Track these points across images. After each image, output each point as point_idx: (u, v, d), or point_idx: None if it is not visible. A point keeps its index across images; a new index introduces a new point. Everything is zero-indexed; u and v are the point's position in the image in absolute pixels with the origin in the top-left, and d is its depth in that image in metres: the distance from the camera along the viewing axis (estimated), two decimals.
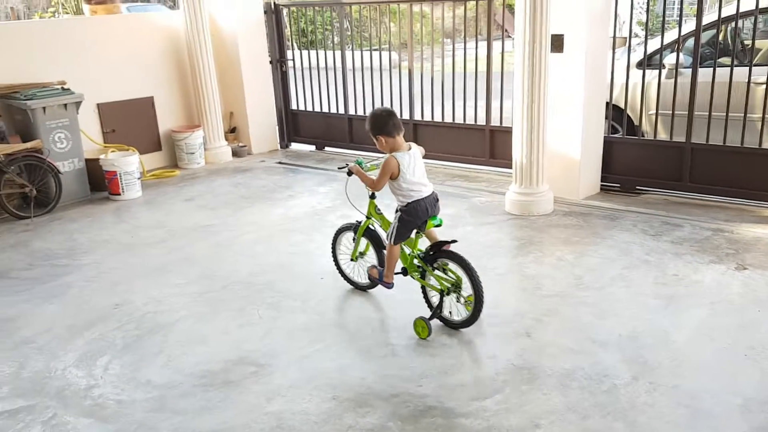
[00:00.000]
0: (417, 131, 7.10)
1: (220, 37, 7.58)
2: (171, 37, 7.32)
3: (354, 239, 4.03)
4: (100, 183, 6.33)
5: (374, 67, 7.51)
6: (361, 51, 7.81)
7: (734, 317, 3.57)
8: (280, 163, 7.52)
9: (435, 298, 3.65)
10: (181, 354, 3.50)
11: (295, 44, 8.55)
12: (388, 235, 3.67)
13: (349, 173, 3.78)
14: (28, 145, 5.74)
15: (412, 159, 3.50)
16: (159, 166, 7.35)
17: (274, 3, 7.87)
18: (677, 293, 3.89)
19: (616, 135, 5.98)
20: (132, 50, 6.99)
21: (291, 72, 8.13)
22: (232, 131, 8.00)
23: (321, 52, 7.99)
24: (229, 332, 3.72)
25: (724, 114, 5.20)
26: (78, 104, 6.11)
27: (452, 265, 3.53)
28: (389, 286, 3.77)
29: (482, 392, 3.04)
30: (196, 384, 3.20)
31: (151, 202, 6.18)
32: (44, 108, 5.83)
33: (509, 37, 10.00)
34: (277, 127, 8.24)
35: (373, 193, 3.78)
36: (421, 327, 3.53)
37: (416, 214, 3.53)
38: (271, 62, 7.99)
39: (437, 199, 3.63)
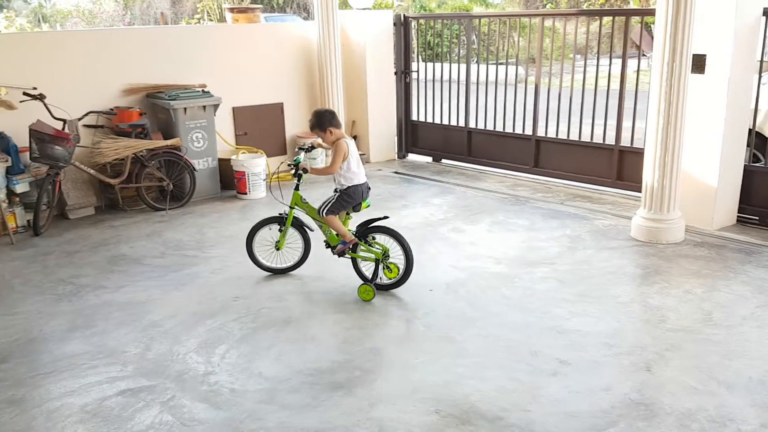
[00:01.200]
0: (540, 148, 6.93)
1: (349, 47, 7.81)
2: (304, 47, 7.63)
3: (280, 230, 4.47)
4: (229, 182, 6.69)
5: (498, 81, 7.43)
6: (486, 64, 7.73)
7: None
8: (396, 172, 7.60)
9: (366, 270, 4.30)
10: (291, 350, 3.61)
11: (419, 56, 8.62)
12: (322, 208, 4.21)
13: (304, 171, 4.34)
14: (169, 142, 6.18)
15: (353, 146, 4.21)
16: (283, 170, 7.65)
17: (404, 15, 8.00)
18: None
19: (757, 164, 5.52)
20: (267, 58, 7.36)
21: (414, 83, 8.21)
22: (353, 139, 8.18)
23: (444, 65, 8.02)
24: (337, 334, 3.79)
25: None
26: (216, 107, 6.51)
27: (379, 238, 4.24)
28: (350, 243, 4.24)
29: (595, 424, 2.88)
30: (304, 381, 3.28)
31: (274, 203, 6.43)
32: (185, 108, 6.26)
33: (644, 55, 9.56)
34: (396, 138, 8.35)
35: (297, 185, 4.37)
36: (365, 291, 4.16)
37: (353, 197, 4.21)
38: (395, 73, 8.11)
39: (369, 188, 4.36)
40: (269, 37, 7.43)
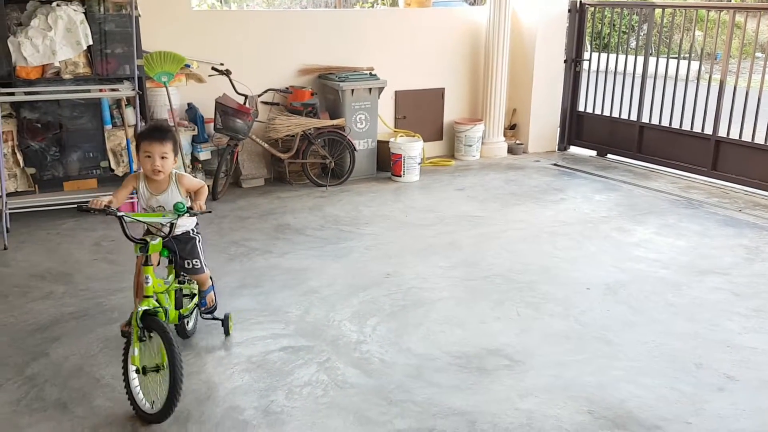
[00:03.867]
0: (719, 149, 6.37)
1: (519, 33, 7.64)
2: (471, 32, 7.58)
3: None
4: (385, 163, 6.85)
5: (673, 75, 6.90)
6: (658, 58, 7.21)
7: None
8: (555, 165, 7.35)
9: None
10: (439, 331, 3.63)
11: (589, 45, 8.23)
12: (201, 264, 3.28)
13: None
14: (335, 122, 6.44)
15: None
16: (437, 155, 7.70)
17: (580, 1, 7.67)
18: None
19: None
20: (433, 43, 7.40)
21: (583, 73, 7.87)
22: (511, 128, 8.03)
23: (614, 56, 7.58)
24: (486, 322, 3.75)
25: None
26: (381, 90, 6.67)
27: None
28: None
29: None
30: (452, 362, 3.29)
31: (427, 187, 6.51)
32: (352, 90, 6.49)
33: None
34: (558, 128, 8.06)
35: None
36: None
37: None
38: (565, 61, 7.82)
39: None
40: (437, 21, 7.46)
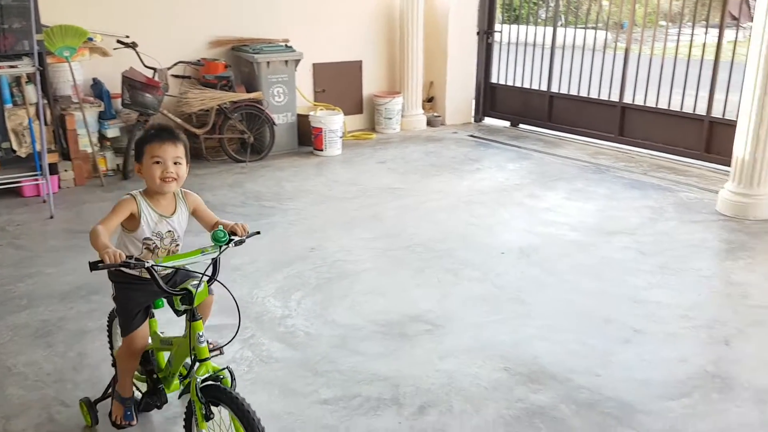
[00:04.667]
0: (625, 115, 6.69)
1: (432, 5, 7.69)
2: (386, 4, 7.57)
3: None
4: (306, 138, 6.80)
5: (581, 45, 7.18)
6: (566, 28, 7.46)
7: None
8: (471, 136, 7.53)
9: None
10: (363, 302, 3.69)
11: (500, 17, 8.41)
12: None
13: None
14: (252, 95, 6.32)
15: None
16: (358, 128, 7.72)
17: None
18: None
19: None
20: (348, 15, 7.35)
21: (496, 45, 8.04)
22: (429, 101, 8.14)
23: (525, 27, 7.79)
24: (408, 290, 3.84)
25: None
26: (297, 62, 6.59)
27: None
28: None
29: (668, 393, 2.84)
30: (376, 331, 3.36)
31: (348, 161, 6.52)
32: (268, 62, 6.37)
33: (741, 26, 9.04)
34: (473, 100, 8.23)
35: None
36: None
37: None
38: (477, 33, 7.95)
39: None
40: None
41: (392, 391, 2.86)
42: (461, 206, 5.23)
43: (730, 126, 5.23)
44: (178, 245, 2.40)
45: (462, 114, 8.17)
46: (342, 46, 7.39)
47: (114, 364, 2.64)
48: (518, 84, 7.79)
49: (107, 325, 2.80)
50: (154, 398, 2.52)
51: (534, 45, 7.51)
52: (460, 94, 8.05)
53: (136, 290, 2.37)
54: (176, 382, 2.48)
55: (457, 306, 3.65)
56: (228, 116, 6.19)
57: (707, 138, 6.00)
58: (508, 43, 7.82)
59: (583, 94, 7.11)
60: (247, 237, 2.28)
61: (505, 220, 4.94)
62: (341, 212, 5.08)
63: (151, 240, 2.33)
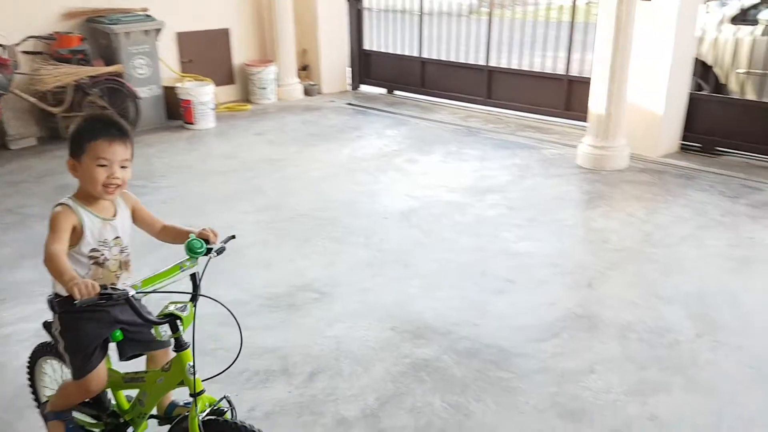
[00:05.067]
0: (492, 78, 6.96)
1: None
2: None
3: None
4: (175, 111, 6.51)
5: (449, 11, 7.36)
6: None
7: None
8: (349, 104, 7.54)
9: None
10: (249, 276, 3.64)
11: None
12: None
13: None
14: (111, 69, 5.93)
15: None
16: (232, 100, 7.48)
17: None
18: (751, 256, 3.76)
19: (701, 92, 5.69)
20: None
21: (366, 12, 8.04)
22: (304, 69, 8.03)
23: None
24: (294, 260, 3.83)
25: None
26: (158, 31, 6.25)
27: None
28: None
29: (540, 336, 3.05)
30: (263, 304, 3.34)
31: (223, 134, 6.33)
32: (127, 33, 6.00)
33: None
34: (348, 68, 8.22)
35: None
36: None
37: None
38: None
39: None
40: None
41: (281, 362, 2.86)
42: (343, 174, 5.25)
43: (587, 84, 5.58)
44: (128, 255, 2.05)
45: (338, 82, 8.14)
46: (207, 13, 7.08)
47: (44, 413, 2.21)
48: (391, 51, 7.86)
49: (28, 366, 2.33)
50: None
51: (404, 11, 7.59)
52: (334, 61, 8.01)
53: (89, 321, 1.96)
54: (145, 423, 2.11)
55: (343, 272, 3.69)
56: (86, 92, 5.78)
57: (567, 96, 6.38)
58: (379, 10, 7.86)
59: (453, 59, 7.31)
60: (225, 242, 2.02)
61: (386, 185, 5.03)
62: (220, 187, 4.94)
63: (99, 251, 1.94)
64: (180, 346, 1.90)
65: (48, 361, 2.33)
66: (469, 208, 4.56)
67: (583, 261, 3.80)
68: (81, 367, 1.98)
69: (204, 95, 6.39)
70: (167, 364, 2.00)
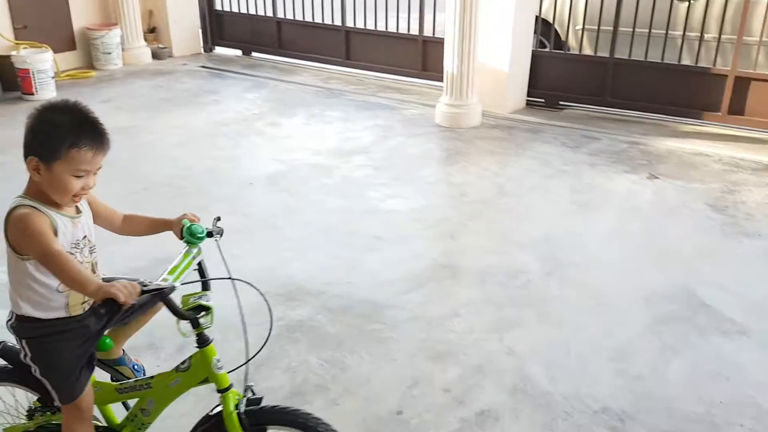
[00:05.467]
0: (349, 39, 6.96)
1: None
2: None
3: None
4: (12, 82, 5.94)
5: None
6: None
7: (643, 222, 3.83)
8: (203, 66, 7.25)
9: None
10: (106, 253, 3.43)
11: None
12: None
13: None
14: None
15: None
16: (74, 67, 6.92)
17: None
18: (592, 200, 4.13)
19: (543, 50, 6.06)
20: None
21: None
22: (151, 31, 7.58)
23: None
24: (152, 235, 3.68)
25: (647, 31, 5.36)
26: None
27: None
28: None
29: (408, 287, 3.18)
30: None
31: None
32: None
33: None
34: (200, 30, 7.87)
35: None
36: None
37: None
38: None
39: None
40: None
41: (148, 338, 2.77)
42: (202, 140, 5.08)
43: (441, 44, 5.75)
44: (97, 255, 1.84)
45: (190, 44, 7.77)
46: None
47: None
48: (244, 10, 7.61)
49: None
50: None
51: None
52: (184, 23, 7.62)
53: (67, 340, 1.72)
54: None
55: (208, 241, 3.59)
56: None
57: (423, 57, 6.54)
58: None
59: (309, 19, 7.22)
60: (217, 222, 1.94)
61: (248, 150, 4.93)
62: None
63: (73, 254, 1.69)
64: (204, 341, 1.78)
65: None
66: (336, 170, 4.60)
67: (445, 215, 3.99)
68: (70, 391, 1.75)
69: (42, 63, 5.87)
70: (183, 363, 1.81)
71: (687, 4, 5.36)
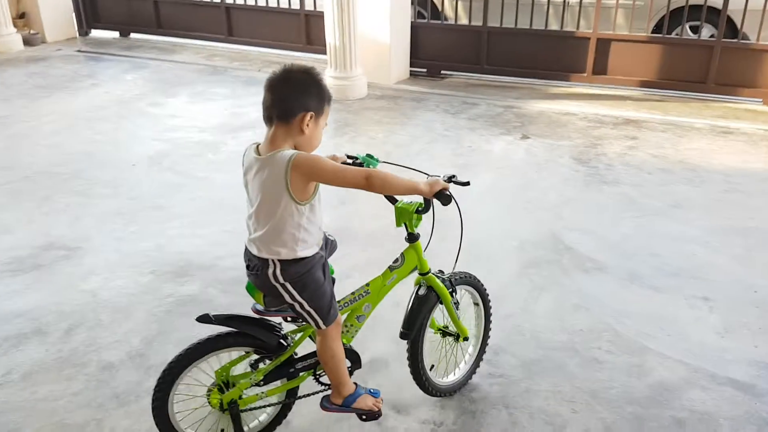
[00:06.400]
0: (230, 15, 6.87)
1: None
2: None
3: None
4: None
5: None
6: None
7: (516, 179, 4.11)
8: (79, 51, 6.94)
9: None
10: None
11: None
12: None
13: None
14: None
15: (253, 168, 1.94)
16: None
17: None
18: (471, 161, 4.36)
19: (422, 21, 6.25)
20: None
21: None
22: (21, 17, 7.15)
23: None
24: (35, 220, 3.57)
25: None
26: None
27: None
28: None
29: None
30: (4, 270, 3.10)
31: None
32: None
33: None
34: (74, 13, 7.49)
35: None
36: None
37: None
38: None
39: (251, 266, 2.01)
40: None
41: (33, 324, 2.72)
42: (81, 125, 4.91)
43: (323, 17, 5.81)
44: None
45: (64, 29, 7.40)
46: None
47: (331, 408, 2.06)
48: None
49: (156, 400, 1.91)
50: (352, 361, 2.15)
51: None
52: (56, 6, 7.25)
53: (318, 270, 1.94)
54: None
55: (92, 226, 3.54)
56: None
57: (306, 31, 6.58)
58: None
59: None
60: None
61: (130, 131, 4.82)
62: None
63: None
64: (415, 238, 2.14)
65: (195, 369, 1.96)
66: (222, 146, 4.59)
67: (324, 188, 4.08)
68: (329, 308, 1.94)
69: None
70: (396, 261, 2.17)
71: None
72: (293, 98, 1.81)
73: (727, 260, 3.18)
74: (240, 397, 2.01)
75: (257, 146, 1.87)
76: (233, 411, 1.99)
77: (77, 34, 7.54)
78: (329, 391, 2.08)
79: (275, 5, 6.66)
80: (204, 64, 6.50)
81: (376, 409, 2.06)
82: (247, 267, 1.98)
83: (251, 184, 1.89)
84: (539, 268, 3.13)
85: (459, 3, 6.11)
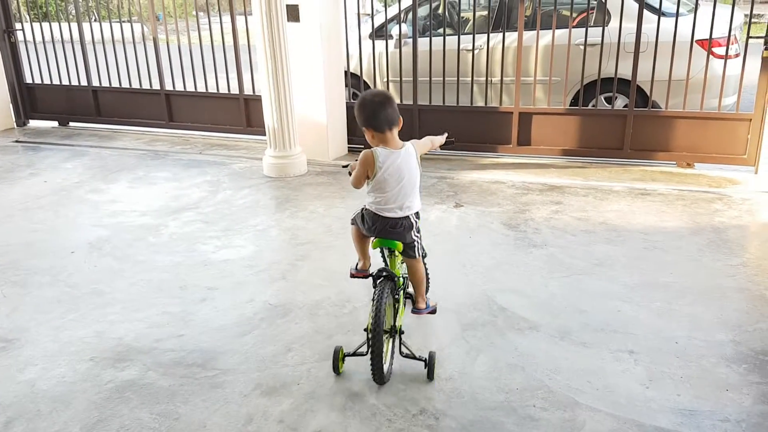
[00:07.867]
0: (171, 101, 7.04)
1: None
2: None
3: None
4: None
5: (119, 39, 7.23)
6: (100, 23, 7.42)
7: (451, 244, 4.29)
8: (17, 141, 6.95)
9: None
10: None
11: (26, 15, 7.84)
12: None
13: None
14: None
15: (396, 160, 2.74)
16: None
17: None
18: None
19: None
20: None
21: (24, 45, 7.46)
22: None
23: (56, 24, 7.46)
24: None
25: (442, 78, 6.03)
26: None
27: None
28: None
29: (242, 331, 3.31)
30: None
31: None
32: None
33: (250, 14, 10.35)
34: (11, 104, 7.53)
35: None
36: None
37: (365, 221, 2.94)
38: None
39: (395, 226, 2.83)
40: None
41: None
42: (17, 215, 4.89)
43: (260, 101, 6.03)
44: None
45: (1, 120, 7.40)
46: None
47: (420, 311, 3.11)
48: (57, 82, 7.42)
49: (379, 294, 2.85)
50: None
51: (72, 41, 7.23)
52: None
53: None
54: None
55: (29, 316, 3.50)
56: None
57: (246, 113, 6.79)
58: (43, 41, 7.34)
59: (127, 85, 7.20)
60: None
61: (69, 219, 4.82)
62: None
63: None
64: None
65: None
66: (163, 228, 4.64)
67: (277, 258, 4.18)
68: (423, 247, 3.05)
69: None
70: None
71: (472, 53, 6.11)
72: (396, 112, 2.78)
73: (648, 314, 3.38)
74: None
75: (382, 147, 2.76)
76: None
77: (15, 125, 7.55)
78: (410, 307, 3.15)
79: (215, 91, 6.86)
80: (145, 149, 6.59)
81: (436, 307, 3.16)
82: (382, 232, 2.87)
83: (391, 169, 2.74)
84: (475, 330, 3.26)
85: (390, 83, 6.45)
